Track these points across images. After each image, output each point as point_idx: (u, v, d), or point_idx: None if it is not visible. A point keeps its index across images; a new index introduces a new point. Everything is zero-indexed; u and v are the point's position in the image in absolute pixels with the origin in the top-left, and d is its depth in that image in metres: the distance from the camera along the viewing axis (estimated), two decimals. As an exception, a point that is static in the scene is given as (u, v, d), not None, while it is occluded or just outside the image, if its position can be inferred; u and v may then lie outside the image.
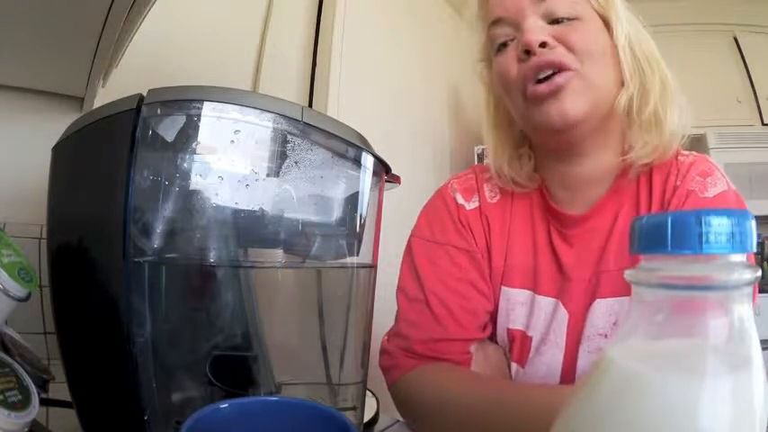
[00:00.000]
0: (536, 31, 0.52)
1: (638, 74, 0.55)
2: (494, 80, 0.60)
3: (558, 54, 0.52)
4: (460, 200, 0.64)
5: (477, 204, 0.64)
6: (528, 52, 0.52)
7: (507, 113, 0.62)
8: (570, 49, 0.52)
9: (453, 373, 0.56)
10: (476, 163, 1.78)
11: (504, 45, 0.56)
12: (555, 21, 0.53)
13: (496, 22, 0.56)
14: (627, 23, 0.55)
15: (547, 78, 0.52)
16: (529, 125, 0.58)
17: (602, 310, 0.55)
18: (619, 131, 0.57)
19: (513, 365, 0.61)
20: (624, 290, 0.54)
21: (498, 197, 0.64)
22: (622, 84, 0.55)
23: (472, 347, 0.59)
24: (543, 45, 0.52)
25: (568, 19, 0.53)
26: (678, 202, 0.54)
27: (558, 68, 0.52)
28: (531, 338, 0.59)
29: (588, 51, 0.52)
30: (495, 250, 0.62)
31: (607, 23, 0.55)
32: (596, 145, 0.56)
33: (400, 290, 0.63)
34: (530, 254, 0.61)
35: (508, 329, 0.61)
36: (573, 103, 0.52)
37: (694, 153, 0.58)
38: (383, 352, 0.61)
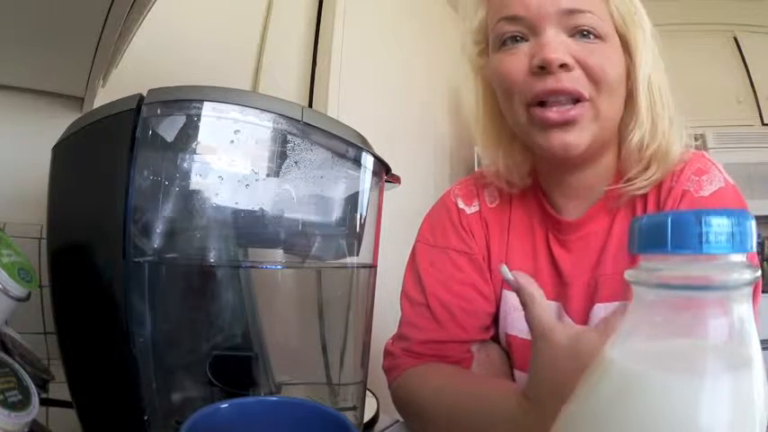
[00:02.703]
0: (557, 48, 0.48)
1: (650, 111, 0.53)
2: (490, 75, 0.57)
3: (576, 81, 0.49)
4: (461, 204, 0.65)
5: (477, 209, 0.64)
6: (543, 68, 0.49)
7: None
8: (589, 74, 0.49)
9: (449, 372, 0.56)
10: (476, 163, 1.78)
11: (513, 40, 0.52)
12: (578, 34, 0.50)
13: (512, 19, 0.52)
14: (649, 51, 0.52)
15: (557, 103, 0.50)
16: (526, 140, 0.56)
17: (602, 315, 0.55)
18: (615, 148, 0.56)
19: (518, 372, 0.61)
20: (623, 293, 0.54)
21: (498, 202, 0.64)
22: (625, 109, 0.54)
23: (473, 347, 0.60)
24: (563, 66, 0.49)
25: (593, 36, 0.50)
26: (673, 203, 0.53)
27: (572, 97, 0.49)
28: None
29: (606, 81, 0.50)
30: (494, 254, 0.62)
31: (625, 46, 0.52)
32: (592, 161, 0.56)
33: (403, 294, 0.63)
34: (529, 259, 0.61)
35: (507, 335, 0.61)
36: (579, 137, 0.50)
37: (691, 150, 0.57)
38: (386, 354, 0.61)
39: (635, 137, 0.53)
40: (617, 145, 0.56)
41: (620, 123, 0.55)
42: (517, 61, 0.51)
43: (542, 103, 0.51)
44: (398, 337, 0.61)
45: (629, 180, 0.54)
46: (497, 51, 0.54)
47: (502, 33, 0.53)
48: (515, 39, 0.52)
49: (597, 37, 0.50)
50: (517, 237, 0.62)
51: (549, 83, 0.49)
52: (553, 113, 0.50)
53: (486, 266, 0.62)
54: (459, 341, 0.58)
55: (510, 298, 0.61)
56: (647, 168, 0.54)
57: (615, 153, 0.57)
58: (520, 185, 0.61)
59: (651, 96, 0.53)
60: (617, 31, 0.51)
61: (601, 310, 0.55)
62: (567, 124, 0.50)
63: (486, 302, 0.61)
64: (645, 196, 0.56)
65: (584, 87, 0.50)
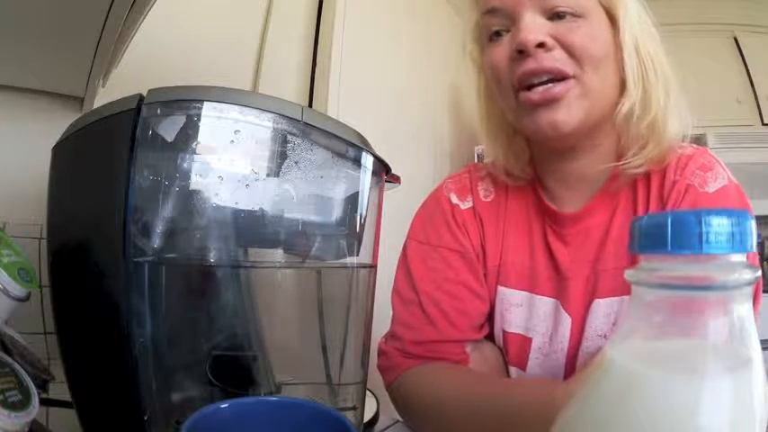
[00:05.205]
0: (533, 29, 0.49)
1: (641, 80, 0.52)
2: (485, 70, 0.57)
3: (556, 60, 0.49)
4: (455, 200, 0.63)
5: (471, 204, 0.63)
6: (522, 52, 0.49)
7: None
8: (570, 52, 0.49)
9: (449, 371, 0.56)
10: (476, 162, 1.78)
11: (497, 35, 0.53)
12: (555, 15, 0.49)
13: (491, 11, 0.53)
14: (636, 20, 0.51)
15: (542, 84, 0.49)
16: (519, 127, 0.56)
17: (602, 310, 0.55)
18: (614, 132, 0.55)
19: (513, 369, 0.61)
20: (623, 289, 0.52)
21: (492, 196, 0.63)
22: (621, 85, 0.53)
23: (468, 348, 0.59)
24: (541, 45, 0.49)
25: (571, 15, 0.49)
26: (677, 196, 0.52)
27: (555, 76, 0.49)
28: (530, 340, 0.59)
29: (590, 56, 0.49)
30: (489, 249, 0.61)
31: (612, 18, 0.51)
32: (590, 145, 0.55)
33: (395, 292, 0.63)
34: (526, 253, 0.60)
35: (504, 332, 0.61)
36: (567, 114, 0.50)
37: (693, 145, 0.56)
38: (380, 353, 0.61)
39: (624, 107, 0.52)
40: (614, 130, 0.55)
41: (615, 104, 0.54)
42: (501, 51, 0.52)
43: (529, 88, 0.51)
44: (391, 336, 0.60)
45: (624, 155, 0.54)
46: (487, 46, 0.55)
47: (487, 27, 0.54)
48: (499, 33, 0.53)
49: (576, 15, 0.50)
50: (513, 231, 0.61)
51: (529, 64, 0.49)
52: (536, 95, 0.50)
53: (482, 264, 0.61)
54: (453, 341, 0.58)
55: (506, 294, 0.60)
56: (644, 147, 0.53)
57: (613, 139, 0.56)
58: (521, 177, 0.60)
59: (641, 64, 0.52)
60: (601, 5, 0.51)
61: (600, 306, 0.55)
62: (552, 102, 0.49)
63: (480, 301, 0.60)
64: (647, 185, 0.55)
65: (565, 65, 0.49)
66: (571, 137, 0.52)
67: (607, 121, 0.54)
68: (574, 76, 0.50)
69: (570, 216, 0.57)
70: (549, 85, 0.50)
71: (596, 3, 0.51)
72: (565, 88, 0.49)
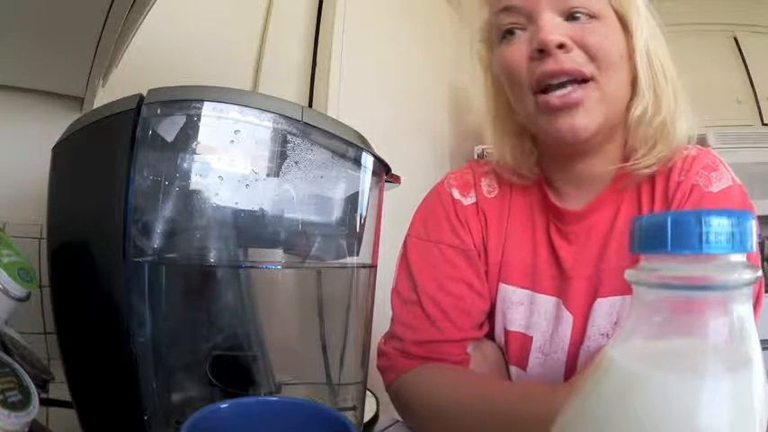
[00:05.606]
0: (553, 29, 0.49)
1: (652, 84, 0.52)
2: (496, 70, 0.57)
3: (576, 61, 0.49)
4: (457, 195, 0.63)
5: (474, 200, 0.62)
6: (542, 51, 0.49)
7: (509, 101, 0.59)
8: (588, 53, 0.49)
9: (448, 372, 0.56)
10: (476, 163, 1.78)
11: (510, 33, 0.53)
12: (572, 17, 0.50)
13: (507, 9, 0.53)
14: (645, 25, 0.52)
15: (561, 86, 0.49)
16: (534, 128, 0.56)
17: (604, 309, 0.55)
18: (622, 134, 0.56)
19: (513, 369, 0.60)
20: (627, 288, 0.52)
21: (496, 191, 0.63)
22: (632, 86, 0.53)
23: (469, 348, 0.59)
24: (561, 46, 0.49)
25: (588, 16, 0.50)
26: (682, 196, 0.52)
27: (574, 77, 0.49)
28: (531, 338, 0.59)
29: (607, 58, 0.50)
30: (491, 246, 0.61)
31: (624, 24, 0.52)
32: (599, 148, 0.55)
33: (395, 291, 0.62)
34: (528, 250, 0.60)
35: (506, 331, 0.61)
36: (587, 118, 0.50)
37: (697, 146, 0.57)
38: (380, 354, 0.61)
39: (637, 110, 0.52)
40: (624, 131, 0.56)
41: (626, 106, 0.54)
42: (518, 50, 0.52)
43: (546, 90, 0.51)
44: (391, 336, 0.60)
45: (632, 155, 0.54)
46: (499, 44, 0.55)
47: (501, 25, 0.54)
48: (512, 31, 0.53)
49: (592, 16, 0.50)
50: (516, 227, 0.61)
51: (549, 65, 0.49)
52: (554, 98, 0.50)
53: (483, 261, 0.61)
54: (454, 340, 0.58)
55: (508, 292, 0.60)
56: (653, 147, 0.53)
57: (622, 139, 0.56)
58: (528, 176, 0.60)
59: (651, 68, 0.53)
60: (613, 9, 0.52)
61: (603, 304, 0.55)
62: (572, 107, 0.49)
63: (480, 300, 0.60)
64: (652, 185, 0.55)
65: (584, 66, 0.49)
66: (587, 141, 0.52)
67: (618, 124, 0.55)
68: (592, 78, 0.50)
69: (575, 213, 0.57)
70: (569, 88, 0.50)
71: (608, 5, 0.51)
72: (584, 93, 0.49)
